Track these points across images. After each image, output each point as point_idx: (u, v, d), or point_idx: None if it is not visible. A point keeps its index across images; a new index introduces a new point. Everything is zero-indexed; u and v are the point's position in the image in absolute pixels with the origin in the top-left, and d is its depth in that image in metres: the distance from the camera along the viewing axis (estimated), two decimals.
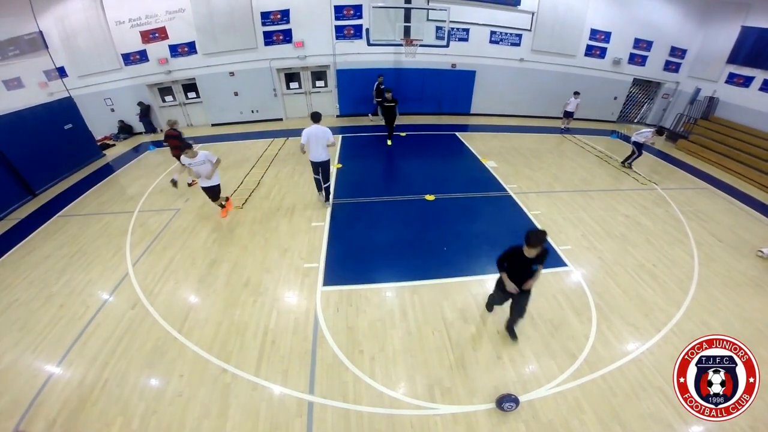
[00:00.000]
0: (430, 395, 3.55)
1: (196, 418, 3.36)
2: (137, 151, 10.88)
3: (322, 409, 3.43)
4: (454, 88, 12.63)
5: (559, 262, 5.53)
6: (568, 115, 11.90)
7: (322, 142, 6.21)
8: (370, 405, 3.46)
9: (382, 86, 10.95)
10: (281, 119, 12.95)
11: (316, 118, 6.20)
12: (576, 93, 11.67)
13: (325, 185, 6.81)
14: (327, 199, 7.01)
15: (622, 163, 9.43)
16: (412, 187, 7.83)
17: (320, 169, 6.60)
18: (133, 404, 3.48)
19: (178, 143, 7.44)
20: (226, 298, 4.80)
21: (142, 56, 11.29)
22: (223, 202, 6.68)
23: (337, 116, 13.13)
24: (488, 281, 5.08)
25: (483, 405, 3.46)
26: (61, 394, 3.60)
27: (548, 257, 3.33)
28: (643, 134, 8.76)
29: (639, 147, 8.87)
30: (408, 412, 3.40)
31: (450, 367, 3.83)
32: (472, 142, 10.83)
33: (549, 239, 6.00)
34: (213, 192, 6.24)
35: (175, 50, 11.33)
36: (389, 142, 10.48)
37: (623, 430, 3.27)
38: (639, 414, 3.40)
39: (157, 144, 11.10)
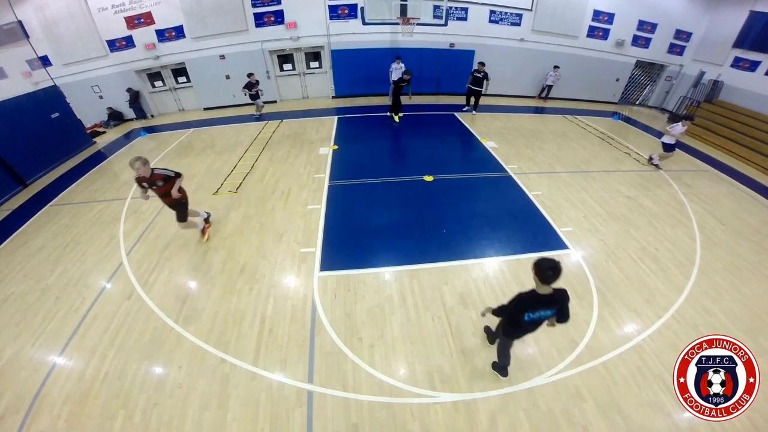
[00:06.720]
0: (430, 383, 3.52)
1: (196, 409, 3.33)
2: (128, 137, 10.66)
3: (322, 398, 3.40)
4: (452, 67, 12.30)
5: (560, 245, 5.46)
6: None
7: None
8: (369, 393, 3.43)
9: (479, 74, 10.48)
10: (275, 101, 12.65)
11: None
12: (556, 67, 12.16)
13: None
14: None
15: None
16: (410, 168, 7.67)
17: None
18: (134, 397, 3.46)
19: None
20: (222, 286, 4.72)
21: (128, 42, 10.90)
22: None
23: (333, 97, 12.86)
24: (488, 264, 5.03)
25: (483, 393, 3.43)
26: (63, 388, 3.57)
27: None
28: (675, 129, 7.38)
29: (671, 147, 7.72)
30: (408, 400, 3.37)
31: (450, 354, 3.79)
32: (471, 122, 10.60)
33: (550, 220, 5.97)
34: None
35: (162, 35, 10.94)
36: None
37: (623, 419, 3.24)
38: (639, 402, 3.37)
39: (149, 129, 10.93)
